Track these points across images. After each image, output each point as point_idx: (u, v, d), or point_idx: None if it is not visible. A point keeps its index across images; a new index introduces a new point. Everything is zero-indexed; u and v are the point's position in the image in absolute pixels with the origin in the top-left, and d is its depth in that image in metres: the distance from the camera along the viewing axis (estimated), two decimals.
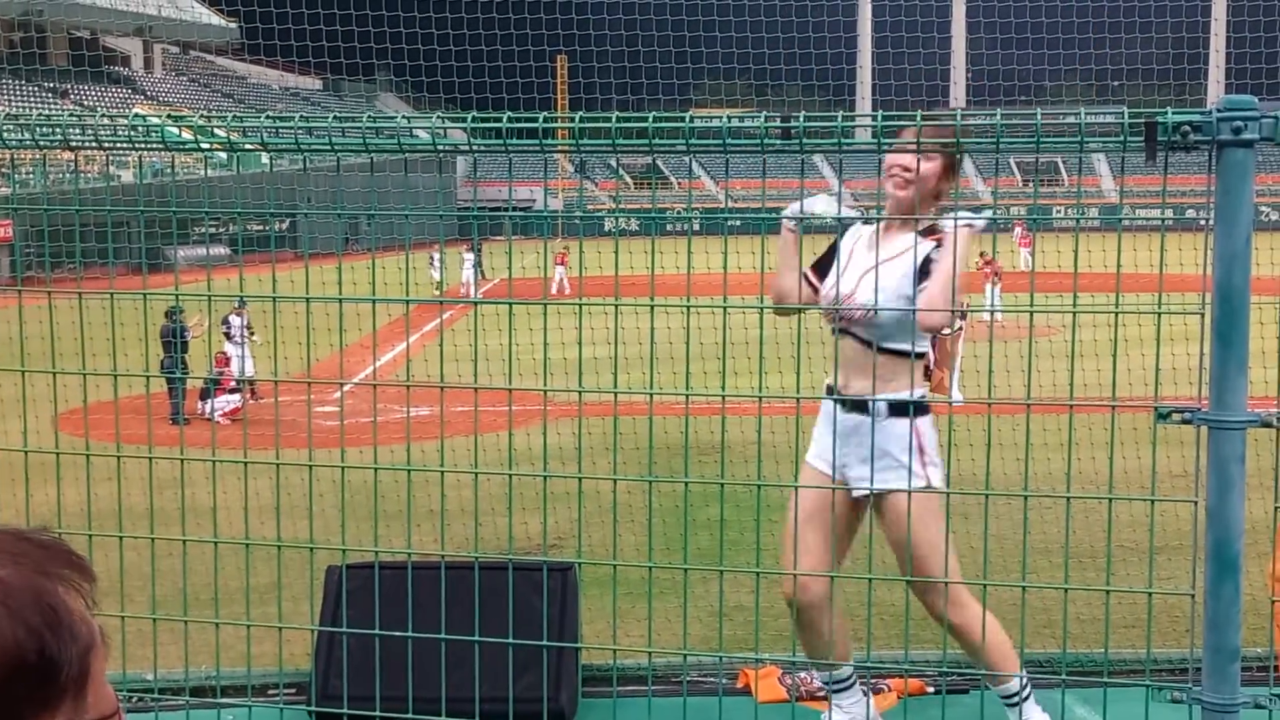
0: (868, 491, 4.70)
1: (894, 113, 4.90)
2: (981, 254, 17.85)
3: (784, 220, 4.84)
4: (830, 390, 4.89)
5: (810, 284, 4.98)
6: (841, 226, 4.94)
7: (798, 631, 4.98)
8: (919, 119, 4.16)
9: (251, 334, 21.76)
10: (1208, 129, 3.33)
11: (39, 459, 4.48)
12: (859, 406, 4.76)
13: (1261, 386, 3.94)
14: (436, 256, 29.34)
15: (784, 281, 4.93)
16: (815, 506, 4.87)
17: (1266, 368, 3.88)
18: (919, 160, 4.62)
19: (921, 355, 4.85)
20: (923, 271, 4.66)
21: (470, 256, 31.81)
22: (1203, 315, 3.45)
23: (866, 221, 5.00)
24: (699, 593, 8.08)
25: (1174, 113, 3.35)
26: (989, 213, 4.81)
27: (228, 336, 21.71)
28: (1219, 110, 3.33)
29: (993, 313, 15.77)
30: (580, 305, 3.94)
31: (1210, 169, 3.38)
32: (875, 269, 4.50)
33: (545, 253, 3.95)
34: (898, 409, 4.77)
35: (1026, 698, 5.04)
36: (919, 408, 4.82)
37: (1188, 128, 3.33)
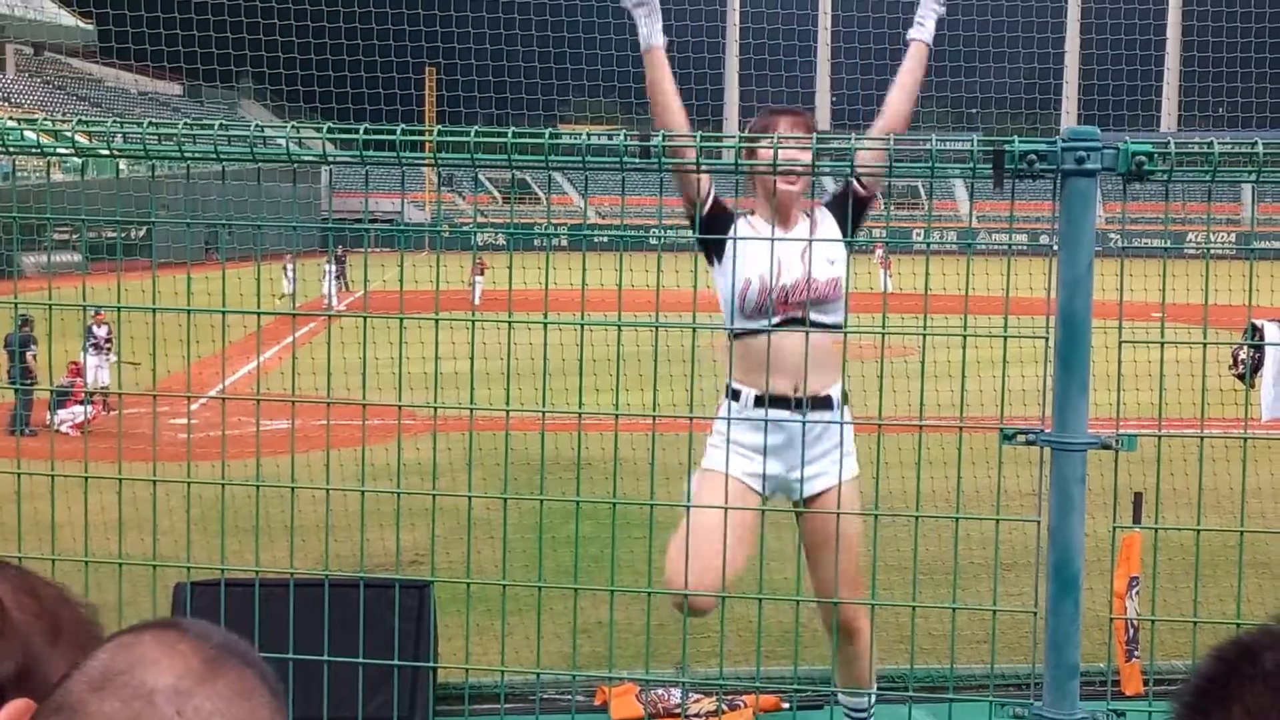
0: (830, 486, 4.68)
1: (757, 134, 4.93)
2: None
3: (645, 37, 4.82)
4: (765, 400, 4.66)
5: (710, 194, 4.84)
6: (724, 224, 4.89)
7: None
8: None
9: (110, 343, 21.21)
10: (1052, 158, 3.42)
11: None
12: (819, 403, 4.68)
13: (1105, 409, 4.06)
14: (290, 268, 28.74)
15: (670, 115, 4.81)
16: (736, 517, 4.57)
17: (1110, 390, 3.99)
18: (802, 152, 4.64)
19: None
20: (842, 203, 4.74)
21: (330, 268, 31.25)
22: (1047, 339, 3.54)
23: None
24: (558, 610, 8.05)
25: (1021, 141, 3.44)
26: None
27: (95, 347, 21.09)
28: (1063, 140, 3.42)
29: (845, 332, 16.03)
30: (437, 320, 3.90)
31: (1055, 197, 3.47)
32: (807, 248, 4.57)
33: (401, 266, 3.91)
34: (845, 398, 4.80)
35: (872, 713, 5.12)
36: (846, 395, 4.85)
37: (1033, 156, 3.42)
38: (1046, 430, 3.51)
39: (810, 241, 4.63)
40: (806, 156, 4.63)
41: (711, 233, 4.73)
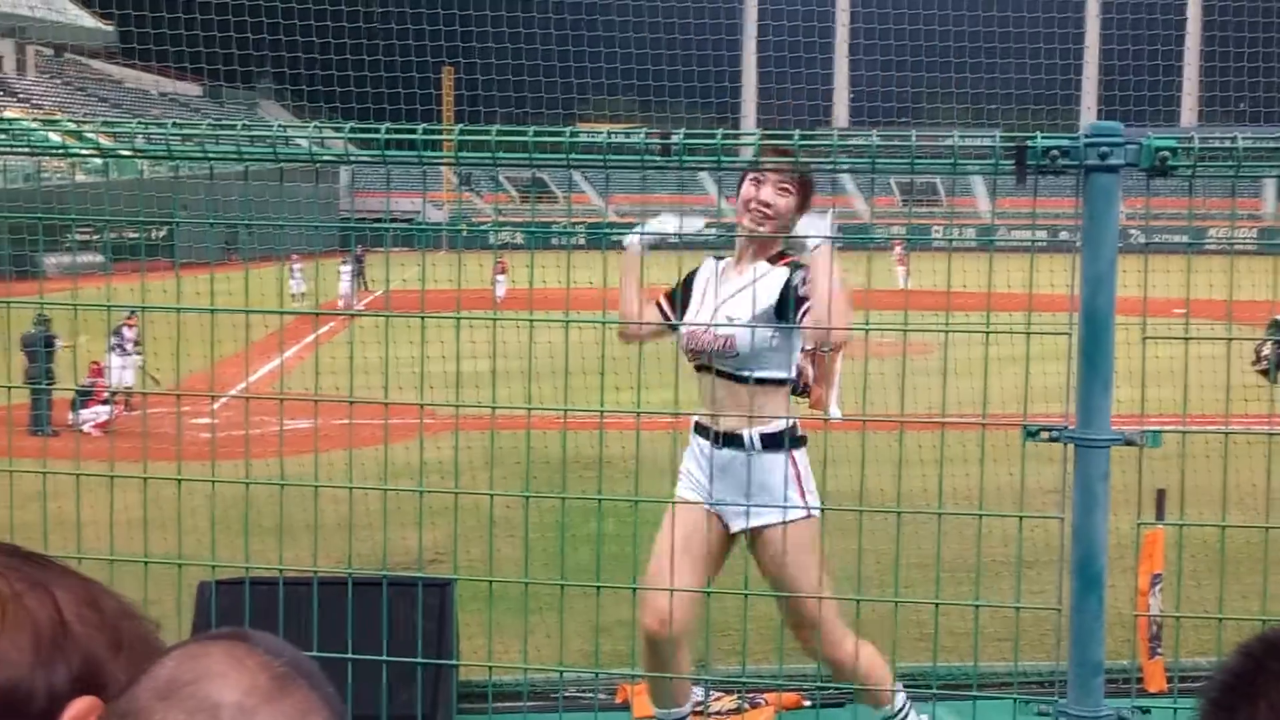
0: (743, 529, 4.73)
1: (775, 130, 4.92)
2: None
3: (628, 240, 4.82)
4: (698, 427, 4.85)
5: (663, 312, 4.99)
6: (690, 270, 4.98)
7: (649, 667, 4.89)
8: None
9: (139, 347, 21.34)
10: (1075, 154, 3.41)
11: None
12: (731, 441, 4.73)
13: (1129, 405, 4.05)
14: (297, 268, 28.52)
15: (627, 307, 4.91)
16: (689, 540, 4.78)
17: (1133, 387, 3.98)
18: (778, 197, 4.67)
19: (784, 383, 4.82)
20: (784, 300, 4.67)
21: (347, 268, 31.18)
22: (1070, 335, 3.53)
23: (715, 249, 5.05)
24: (579, 608, 8.06)
25: (1043, 137, 3.43)
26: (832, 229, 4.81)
27: (120, 348, 21.21)
28: (1086, 136, 3.41)
29: (867, 331, 15.96)
30: (458, 319, 3.91)
31: (1078, 193, 3.46)
32: (723, 301, 4.61)
33: (423, 265, 3.92)
34: (771, 442, 4.77)
35: (908, 713, 5.10)
36: (795, 439, 4.83)
37: (1056, 152, 3.41)
38: (1070, 427, 3.50)
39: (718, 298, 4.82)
40: (772, 199, 4.65)
41: (680, 295, 4.94)
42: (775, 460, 4.74)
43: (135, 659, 1.30)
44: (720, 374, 4.69)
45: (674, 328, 4.84)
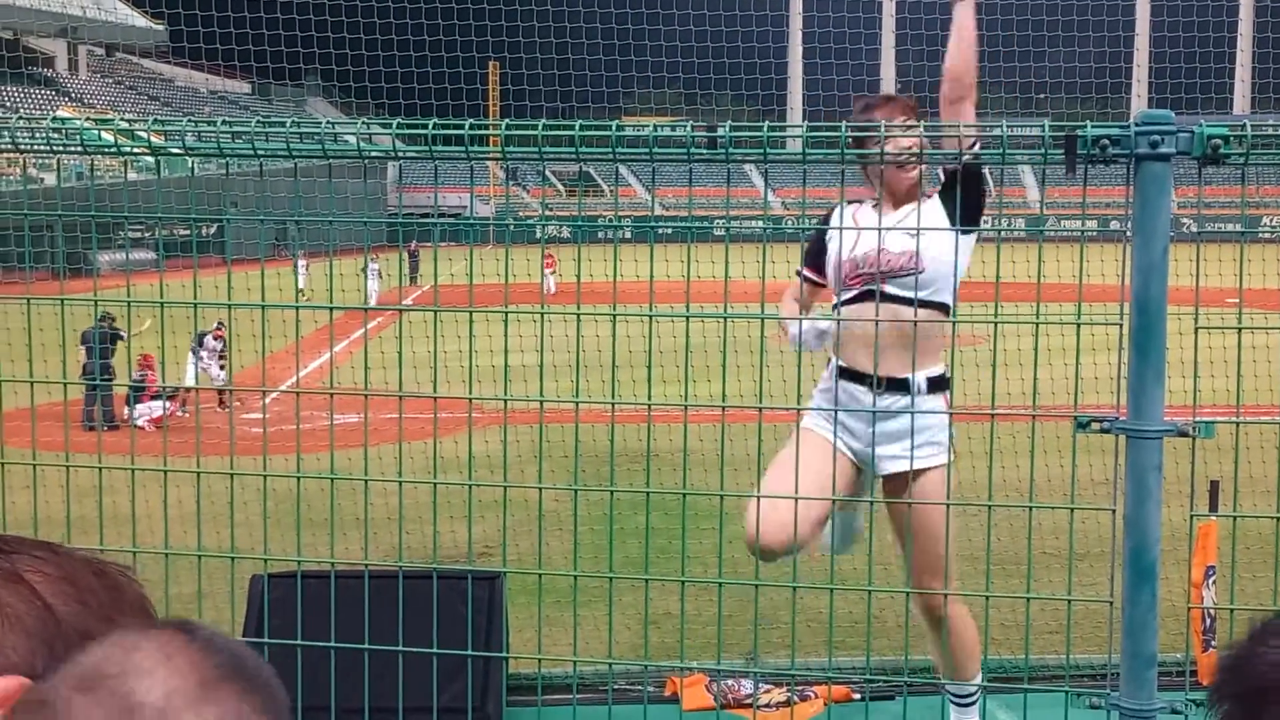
0: (901, 471, 4.65)
1: (820, 123, 4.90)
2: None
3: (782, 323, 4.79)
4: (849, 373, 4.72)
5: (812, 281, 4.94)
6: (822, 220, 4.97)
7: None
8: (837, 129, 4.14)
9: (222, 360, 21.61)
10: (1125, 143, 3.38)
11: None
12: (896, 385, 4.65)
13: (1181, 396, 4.01)
14: (302, 264, 28.24)
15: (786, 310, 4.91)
16: (818, 466, 4.60)
17: (1185, 377, 3.94)
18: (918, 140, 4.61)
19: (949, 310, 4.72)
20: (950, 209, 4.65)
21: (375, 266, 31.16)
22: (1121, 326, 3.50)
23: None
24: (627, 601, 8.08)
25: (1093, 126, 3.40)
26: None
27: (193, 351, 21.44)
28: (1136, 124, 3.38)
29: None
30: (506, 313, 3.92)
31: (1129, 182, 3.43)
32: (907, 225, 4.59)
33: (470, 260, 3.94)
34: (934, 385, 4.75)
35: (975, 702, 5.08)
36: (949, 380, 4.82)
37: (1106, 141, 3.38)
38: (1121, 418, 3.47)
39: (881, 229, 4.59)
40: (916, 143, 4.60)
41: (821, 255, 4.88)
42: (937, 403, 4.73)
43: (142, 618, 1.28)
44: (887, 298, 4.54)
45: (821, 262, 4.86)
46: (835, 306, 4.82)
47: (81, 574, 1.26)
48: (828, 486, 4.52)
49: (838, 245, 4.75)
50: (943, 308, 4.68)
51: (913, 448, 4.55)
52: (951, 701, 5.11)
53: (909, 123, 4.65)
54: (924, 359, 4.59)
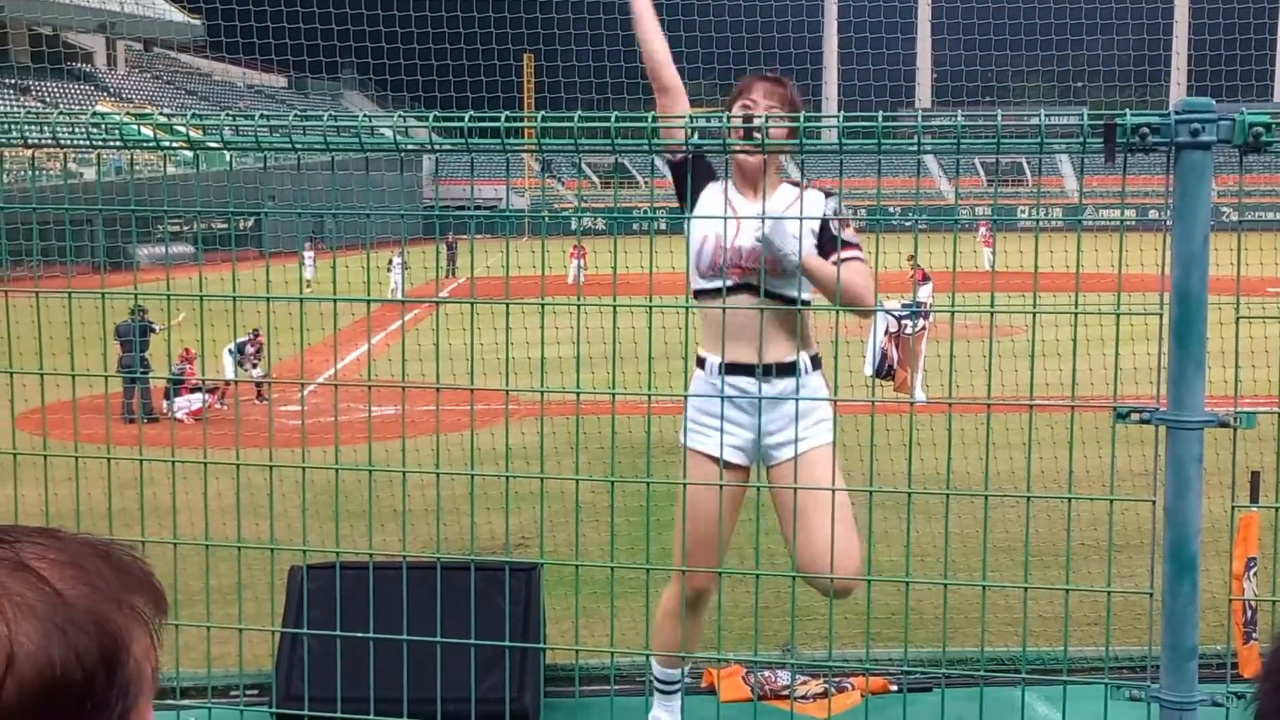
0: (791, 457, 4.58)
1: (857, 113, 4.88)
2: (910, 257, 17.64)
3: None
4: (728, 368, 4.58)
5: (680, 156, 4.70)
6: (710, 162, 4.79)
7: (687, 621, 4.78)
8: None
9: (255, 364, 21.80)
10: (1165, 131, 3.35)
11: None
12: (785, 370, 4.60)
13: (1221, 386, 3.97)
14: (309, 255, 27.89)
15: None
16: (732, 504, 4.70)
17: (1225, 368, 3.91)
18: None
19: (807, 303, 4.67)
20: (825, 230, 4.59)
21: (398, 260, 31.12)
22: (1161, 316, 3.48)
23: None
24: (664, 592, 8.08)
25: (1133, 115, 3.38)
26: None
27: (230, 354, 21.63)
28: (1177, 112, 3.35)
29: (952, 313, 15.79)
30: (542, 305, 3.93)
31: (1169, 170, 3.40)
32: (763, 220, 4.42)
33: (506, 252, 3.95)
34: (815, 363, 4.73)
35: None
36: (820, 361, 4.80)
37: (1146, 130, 3.35)
38: (1161, 409, 3.45)
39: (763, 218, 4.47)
40: (775, 132, 4.48)
41: (681, 183, 4.63)
42: (819, 382, 4.73)
43: (150, 597, 1.29)
44: (768, 294, 4.47)
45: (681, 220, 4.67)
46: (697, 294, 4.68)
47: (87, 557, 1.26)
48: (725, 511, 4.59)
49: (711, 226, 4.59)
50: (808, 302, 4.67)
51: (798, 433, 4.54)
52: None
53: (773, 108, 4.58)
54: (799, 342, 4.57)
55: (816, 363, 4.73)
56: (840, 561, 4.50)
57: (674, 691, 5.04)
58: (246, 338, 21.29)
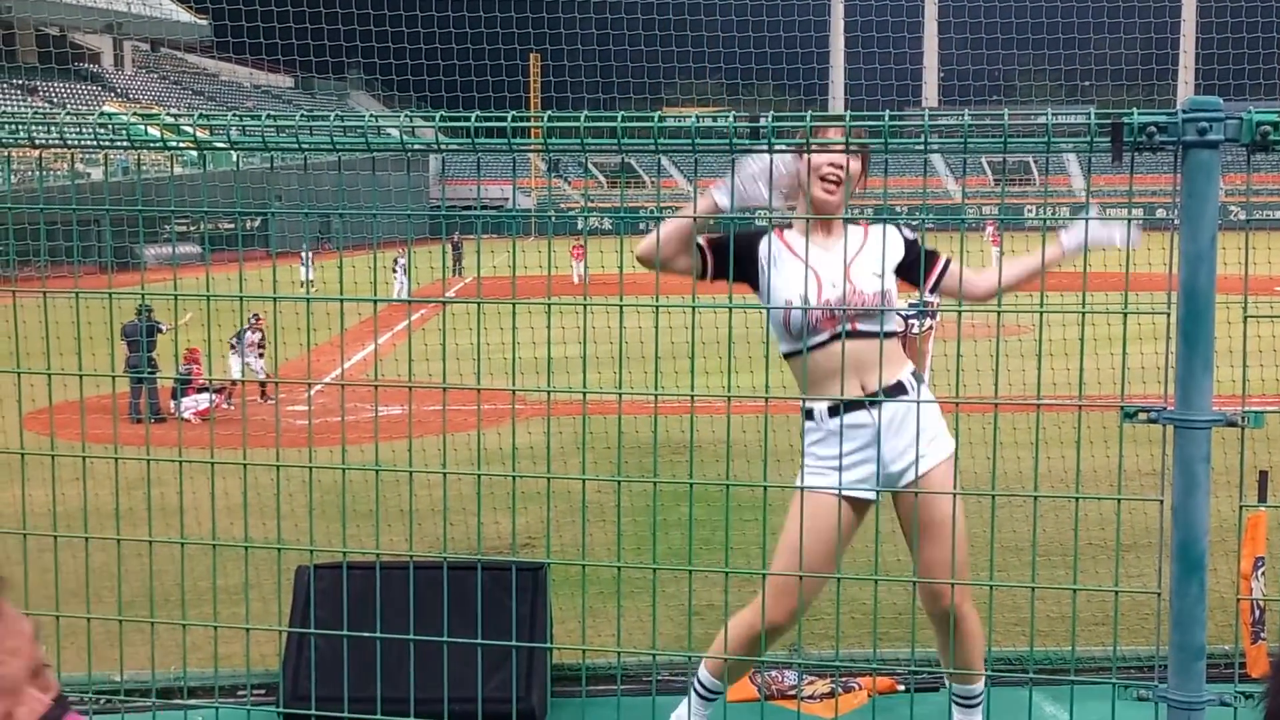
0: (915, 477, 4.59)
1: (864, 113, 4.88)
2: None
3: (720, 199, 4.41)
4: (836, 408, 4.60)
5: (703, 255, 4.68)
6: (746, 237, 4.77)
7: (751, 650, 4.79)
8: (847, 119, 4.10)
9: (261, 350, 21.82)
10: (1173, 130, 3.34)
11: (5, 459, 4.45)
12: (894, 391, 4.63)
13: (1229, 385, 3.97)
14: (308, 255, 27.81)
15: (671, 230, 4.62)
16: (826, 534, 4.65)
17: (1233, 367, 3.90)
18: (848, 160, 4.57)
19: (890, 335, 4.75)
20: (912, 257, 4.70)
21: (403, 261, 31.07)
22: (1169, 315, 3.47)
23: (779, 223, 4.84)
24: (670, 592, 8.08)
25: (1140, 113, 3.37)
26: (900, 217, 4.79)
27: (233, 347, 21.64)
28: (1184, 111, 3.34)
29: (960, 313, 15.85)
30: (549, 305, 3.93)
31: (1176, 169, 3.39)
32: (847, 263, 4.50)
33: (514, 251, 3.95)
34: (918, 377, 4.77)
35: (981, 703, 5.05)
36: (917, 375, 4.85)
37: (1153, 129, 3.34)
38: (1169, 408, 3.44)
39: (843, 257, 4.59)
40: (853, 166, 4.59)
41: (737, 268, 4.53)
42: (928, 394, 4.76)
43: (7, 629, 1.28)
44: (860, 335, 4.55)
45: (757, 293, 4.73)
46: (788, 354, 4.73)
47: None
48: (833, 551, 4.61)
49: (793, 289, 4.63)
50: (892, 335, 4.75)
51: (926, 443, 4.58)
52: (957, 703, 5.06)
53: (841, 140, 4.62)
54: (899, 364, 4.66)
55: (918, 378, 4.75)
56: (960, 577, 4.64)
57: (714, 700, 5.04)
58: (247, 324, 21.30)
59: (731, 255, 4.41)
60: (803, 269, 4.63)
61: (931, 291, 4.81)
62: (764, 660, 5.42)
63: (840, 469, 4.47)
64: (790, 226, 4.80)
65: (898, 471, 4.66)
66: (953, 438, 4.73)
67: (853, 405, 4.60)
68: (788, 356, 4.76)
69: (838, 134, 4.66)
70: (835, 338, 4.58)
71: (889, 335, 4.63)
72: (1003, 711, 5.11)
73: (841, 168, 4.56)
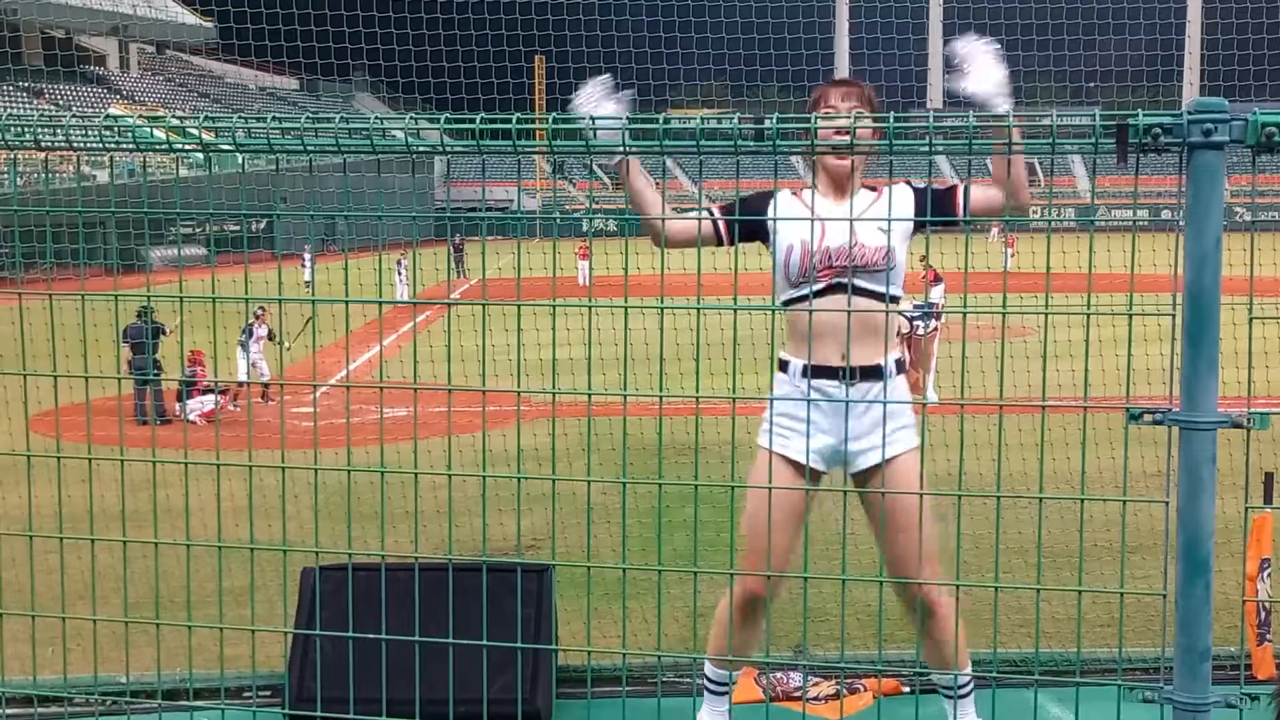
0: (875, 464, 4.57)
1: (867, 114, 4.89)
2: (922, 257, 17.51)
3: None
4: (812, 370, 4.57)
5: (713, 225, 4.74)
6: (756, 199, 4.79)
7: (739, 624, 4.79)
8: (852, 119, 4.11)
9: (273, 338, 21.87)
10: (1178, 131, 3.34)
11: (11, 460, 4.46)
12: (869, 373, 4.59)
13: (1234, 387, 3.96)
14: (307, 258, 27.93)
15: (646, 203, 4.67)
16: (795, 508, 4.67)
17: (1239, 368, 3.90)
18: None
19: (897, 299, 4.70)
20: (921, 208, 4.64)
21: (406, 262, 31.17)
22: (1174, 316, 3.47)
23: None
24: (675, 593, 8.09)
25: (1145, 115, 3.36)
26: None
27: (242, 345, 21.67)
28: (1189, 112, 3.34)
29: (965, 314, 15.79)
30: (554, 306, 3.93)
31: (1181, 171, 3.39)
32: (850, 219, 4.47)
33: (519, 253, 3.95)
34: (899, 367, 4.73)
35: (971, 690, 5.02)
36: (903, 365, 4.80)
37: (1158, 130, 3.34)
38: (1174, 409, 3.44)
39: (852, 220, 4.54)
40: (861, 132, 4.54)
41: (747, 227, 4.66)
42: (902, 385, 4.71)
43: None
44: (859, 292, 4.52)
45: (759, 231, 4.69)
46: (786, 303, 4.69)
47: None
48: (797, 514, 4.60)
49: (796, 234, 4.62)
50: (897, 299, 4.69)
51: (894, 433, 4.54)
52: (946, 696, 5.04)
53: (855, 109, 4.62)
54: (885, 345, 4.58)
55: (900, 367, 4.71)
56: (927, 570, 4.56)
57: (724, 693, 5.03)
58: (253, 318, 21.34)
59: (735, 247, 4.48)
60: (808, 216, 4.64)
61: (966, 222, 4.71)
62: (767, 661, 5.42)
63: (807, 435, 4.49)
64: (803, 189, 4.83)
65: (855, 451, 4.64)
66: (919, 438, 4.69)
67: (824, 372, 4.59)
68: (785, 305, 4.73)
69: (838, 97, 4.68)
70: (833, 289, 4.58)
71: (894, 298, 4.60)
72: (1008, 713, 5.11)
73: (847, 132, 4.52)
